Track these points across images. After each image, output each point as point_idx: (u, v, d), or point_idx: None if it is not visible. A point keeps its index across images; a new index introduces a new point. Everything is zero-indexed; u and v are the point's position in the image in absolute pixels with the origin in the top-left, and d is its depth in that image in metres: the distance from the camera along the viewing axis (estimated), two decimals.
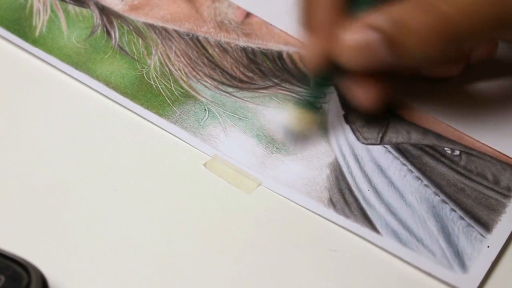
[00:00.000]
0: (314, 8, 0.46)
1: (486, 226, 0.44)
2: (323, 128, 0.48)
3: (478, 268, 0.43)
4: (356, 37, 0.44)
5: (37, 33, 0.51)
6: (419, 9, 0.43)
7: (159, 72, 0.50)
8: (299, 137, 0.47)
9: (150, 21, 0.52)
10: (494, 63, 0.50)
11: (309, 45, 0.46)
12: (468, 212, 0.45)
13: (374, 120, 0.48)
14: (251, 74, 0.50)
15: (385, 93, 0.46)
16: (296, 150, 0.47)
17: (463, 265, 0.43)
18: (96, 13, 0.52)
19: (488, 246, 0.43)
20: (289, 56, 0.51)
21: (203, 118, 0.48)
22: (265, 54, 0.51)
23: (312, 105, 0.47)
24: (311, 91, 0.48)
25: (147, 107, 0.48)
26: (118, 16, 0.52)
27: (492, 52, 0.50)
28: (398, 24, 0.43)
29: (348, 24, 0.44)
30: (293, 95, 0.49)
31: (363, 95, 0.46)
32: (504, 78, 0.50)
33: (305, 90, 0.48)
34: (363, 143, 0.47)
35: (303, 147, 0.47)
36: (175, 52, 0.51)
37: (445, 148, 0.48)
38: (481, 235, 0.44)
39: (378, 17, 0.44)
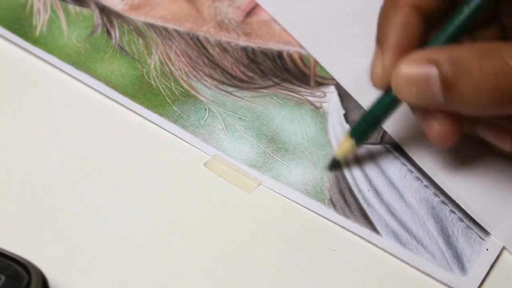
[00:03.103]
0: (388, 26, 0.43)
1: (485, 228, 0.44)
2: (323, 128, 0.48)
3: (477, 271, 0.43)
4: (412, 69, 0.41)
5: (37, 33, 0.51)
6: (484, 56, 0.40)
7: (159, 72, 0.49)
8: (334, 161, 0.46)
9: (150, 20, 0.52)
10: None
11: (375, 62, 0.44)
12: (468, 214, 0.45)
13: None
14: (251, 74, 0.50)
15: (455, 132, 0.43)
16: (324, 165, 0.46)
17: (462, 267, 0.43)
18: (96, 13, 0.52)
19: (487, 249, 0.43)
20: (289, 55, 0.51)
21: (203, 118, 0.48)
22: (265, 53, 0.51)
23: (357, 137, 0.45)
24: (362, 124, 0.45)
25: (147, 107, 0.48)
26: (118, 15, 0.52)
27: None
28: (457, 66, 0.40)
29: (410, 53, 0.41)
30: (293, 94, 0.49)
31: (430, 130, 0.43)
32: None
33: (360, 119, 0.45)
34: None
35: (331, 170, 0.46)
36: (175, 51, 0.50)
37: None
38: (480, 237, 0.44)
39: (440, 54, 0.40)
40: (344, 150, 0.45)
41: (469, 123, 0.45)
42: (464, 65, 0.40)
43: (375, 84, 0.44)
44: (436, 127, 0.43)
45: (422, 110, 0.43)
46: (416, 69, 0.41)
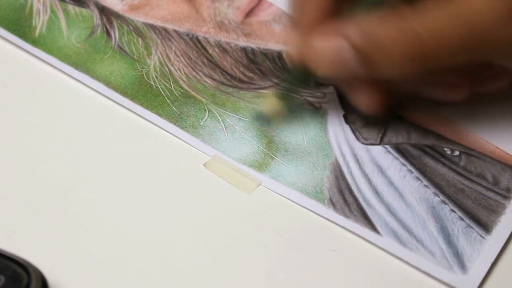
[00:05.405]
0: (304, 2, 0.44)
1: (486, 227, 0.44)
2: (323, 128, 0.48)
3: (478, 269, 0.43)
4: (325, 44, 0.42)
5: (37, 33, 0.51)
6: (393, 26, 0.41)
7: (159, 72, 0.50)
8: (267, 122, 0.47)
9: (150, 21, 0.52)
10: None
11: (292, 40, 0.44)
12: (468, 213, 0.45)
13: (374, 120, 0.48)
14: (251, 74, 0.50)
15: (382, 98, 0.45)
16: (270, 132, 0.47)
17: (462, 266, 0.43)
18: (96, 13, 0.52)
19: (487, 247, 0.43)
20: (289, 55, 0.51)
21: (203, 118, 0.48)
22: (265, 54, 0.51)
23: (286, 96, 0.47)
24: (290, 82, 0.47)
25: (147, 107, 0.48)
26: (118, 16, 0.52)
27: (506, 84, 0.48)
28: (370, 38, 0.41)
29: (321, 29, 0.42)
30: (293, 94, 0.49)
31: (360, 99, 0.45)
32: None
33: (285, 79, 0.48)
34: (363, 143, 0.47)
35: (269, 131, 0.47)
36: (175, 52, 0.50)
37: (445, 149, 0.48)
38: (481, 236, 0.44)
39: (351, 27, 0.41)
40: (270, 107, 0.47)
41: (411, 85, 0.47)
42: (377, 37, 0.41)
43: (292, 60, 0.45)
44: (362, 96, 0.44)
45: (345, 82, 0.45)
46: (330, 43, 0.41)
